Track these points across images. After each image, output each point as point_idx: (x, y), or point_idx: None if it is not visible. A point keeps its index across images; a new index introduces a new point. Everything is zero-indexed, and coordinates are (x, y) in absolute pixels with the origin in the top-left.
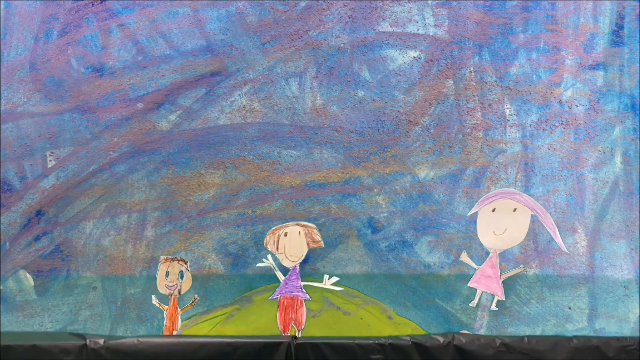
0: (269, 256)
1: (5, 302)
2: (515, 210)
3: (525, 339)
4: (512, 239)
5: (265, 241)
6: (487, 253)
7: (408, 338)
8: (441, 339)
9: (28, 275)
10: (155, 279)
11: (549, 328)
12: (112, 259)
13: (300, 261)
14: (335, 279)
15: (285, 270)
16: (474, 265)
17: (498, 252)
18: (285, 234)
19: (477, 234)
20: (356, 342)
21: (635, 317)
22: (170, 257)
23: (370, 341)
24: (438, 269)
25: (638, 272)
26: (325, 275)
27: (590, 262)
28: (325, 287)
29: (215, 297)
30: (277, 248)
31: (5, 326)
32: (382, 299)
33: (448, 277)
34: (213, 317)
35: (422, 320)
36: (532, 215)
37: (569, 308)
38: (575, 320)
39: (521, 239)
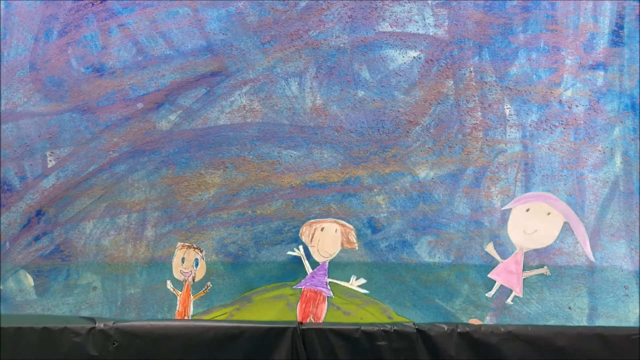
0: (301, 247)
1: (5, 302)
2: (549, 214)
3: (529, 327)
4: (540, 240)
5: (300, 232)
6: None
7: (412, 324)
8: (445, 327)
9: (28, 275)
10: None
11: None
12: (112, 259)
13: (331, 258)
14: (362, 280)
15: (313, 264)
16: (498, 258)
17: (524, 251)
18: (322, 229)
19: (506, 230)
20: (361, 328)
21: (635, 317)
22: (187, 244)
23: (375, 327)
24: (438, 269)
25: (638, 272)
26: (353, 276)
27: (591, 262)
28: (352, 287)
29: (215, 297)
30: (311, 240)
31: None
32: (382, 299)
33: (448, 277)
34: (213, 317)
35: (422, 320)
36: (564, 223)
37: (569, 308)
38: (575, 320)
39: (549, 243)
